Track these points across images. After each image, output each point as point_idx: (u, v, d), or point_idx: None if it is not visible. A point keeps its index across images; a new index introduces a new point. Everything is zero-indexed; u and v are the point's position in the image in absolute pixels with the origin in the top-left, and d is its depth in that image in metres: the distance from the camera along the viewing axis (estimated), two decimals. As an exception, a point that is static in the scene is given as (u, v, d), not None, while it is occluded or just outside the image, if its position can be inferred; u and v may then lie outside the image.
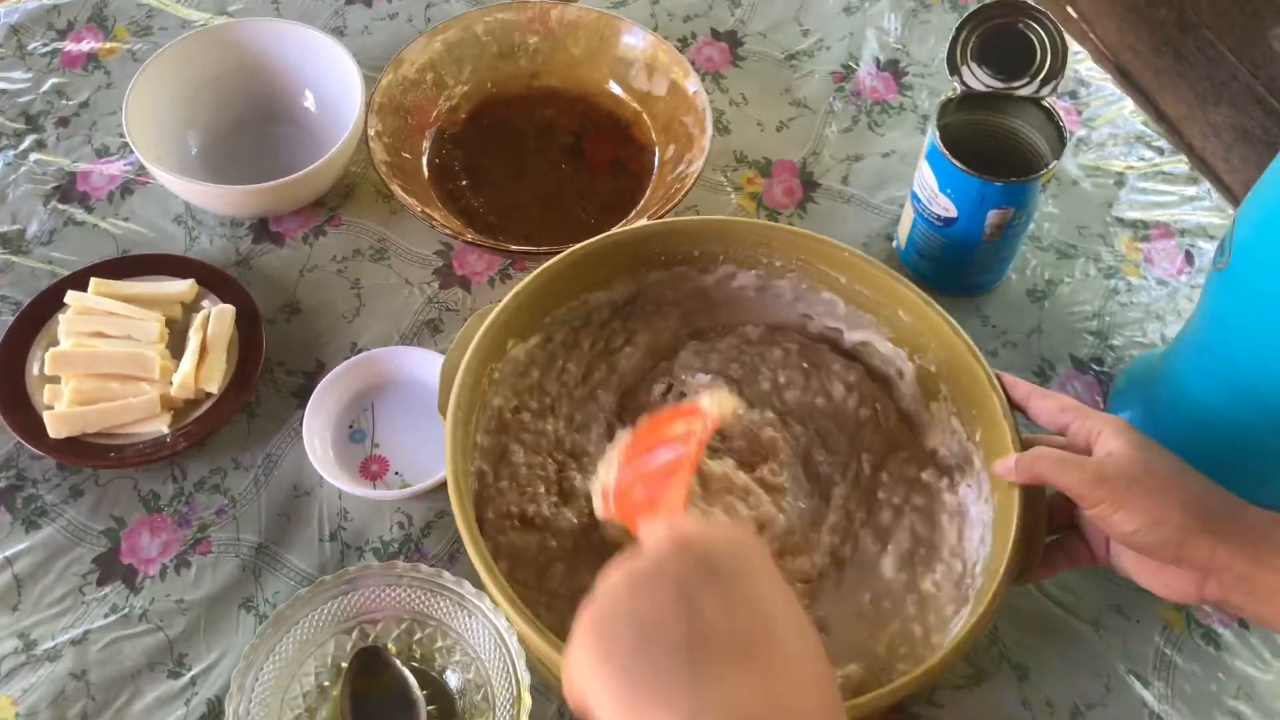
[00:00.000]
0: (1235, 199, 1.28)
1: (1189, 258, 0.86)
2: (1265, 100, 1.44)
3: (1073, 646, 0.69)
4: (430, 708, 0.64)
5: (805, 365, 0.73)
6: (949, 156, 0.73)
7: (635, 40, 0.90)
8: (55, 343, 0.75)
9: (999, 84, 0.75)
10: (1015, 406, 0.64)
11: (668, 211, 0.81)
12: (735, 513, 0.65)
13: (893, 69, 0.97)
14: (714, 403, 0.60)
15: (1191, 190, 0.90)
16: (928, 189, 0.77)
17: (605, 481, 0.60)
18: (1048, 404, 0.62)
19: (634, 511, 0.57)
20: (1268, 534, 0.54)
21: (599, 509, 0.61)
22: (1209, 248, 0.87)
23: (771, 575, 0.46)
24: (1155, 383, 0.74)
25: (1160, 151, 0.92)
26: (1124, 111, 0.95)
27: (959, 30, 0.75)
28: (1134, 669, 0.68)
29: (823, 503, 0.69)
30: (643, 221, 0.79)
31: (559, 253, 0.70)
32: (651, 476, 0.57)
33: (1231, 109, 1.46)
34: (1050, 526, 0.62)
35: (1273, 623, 0.55)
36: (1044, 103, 0.75)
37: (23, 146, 0.88)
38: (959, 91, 0.76)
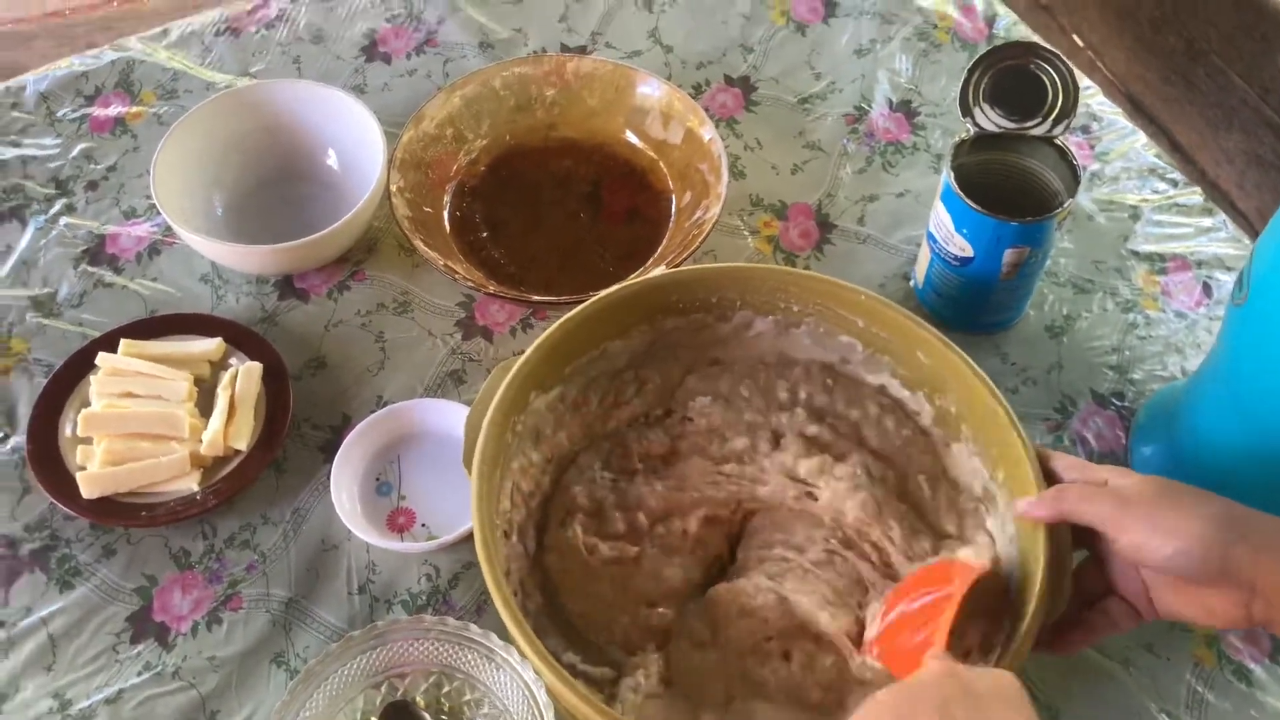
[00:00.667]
0: (1250, 225, 1.28)
1: (1207, 289, 0.86)
2: (1276, 124, 1.44)
3: (1103, 686, 0.68)
4: (461, 760, 0.64)
5: (828, 381, 0.74)
6: (964, 197, 0.74)
7: (650, 90, 0.91)
8: (87, 404, 0.77)
9: (1012, 124, 0.76)
10: None
11: (686, 258, 0.81)
12: None
13: (905, 109, 0.98)
14: (976, 554, 0.63)
15: (1207, 222, 0.90)
16: (943, 229, 0.77)
17: (868, 635, 0.63)
18: (1052, 465, 0.63)
19: (900, 656, 0.60)
20: None
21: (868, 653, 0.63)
22: (1226, 279, 0.87)
23: (1025, 710, 0.49)
24: (1176, 417, 0.74)
25: (1174, 184, 0.93)
26: (1136, 145, 0.95)
27: (970, 72, 0.76)
28: (1166, 708, 0.67)
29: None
30: (661, 269, 0.79)
31: (579, 302, 0.70)
32: (913, 619, 0.60)
33: (1243, 135, 1.46)
34: (1085, 594, 0.62)
35: None
36: (1057, 141, 0.76)
37: (53, 211, 0.91)
38: (972, 132, 0.77)
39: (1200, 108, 1.48)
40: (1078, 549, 0.62)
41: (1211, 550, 0.54)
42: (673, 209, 0.89)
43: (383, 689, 0.66)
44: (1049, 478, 0.63)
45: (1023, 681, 0.67)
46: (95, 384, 0.77)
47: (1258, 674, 0.69)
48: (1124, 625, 0.61)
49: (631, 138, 0.93)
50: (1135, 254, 0.88)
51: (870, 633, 0.63)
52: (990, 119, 0.77)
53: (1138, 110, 1.53)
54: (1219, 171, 1.46)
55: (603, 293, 0.71)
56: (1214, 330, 0.84)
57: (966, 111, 0.77)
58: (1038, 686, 0.68)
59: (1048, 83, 0.76)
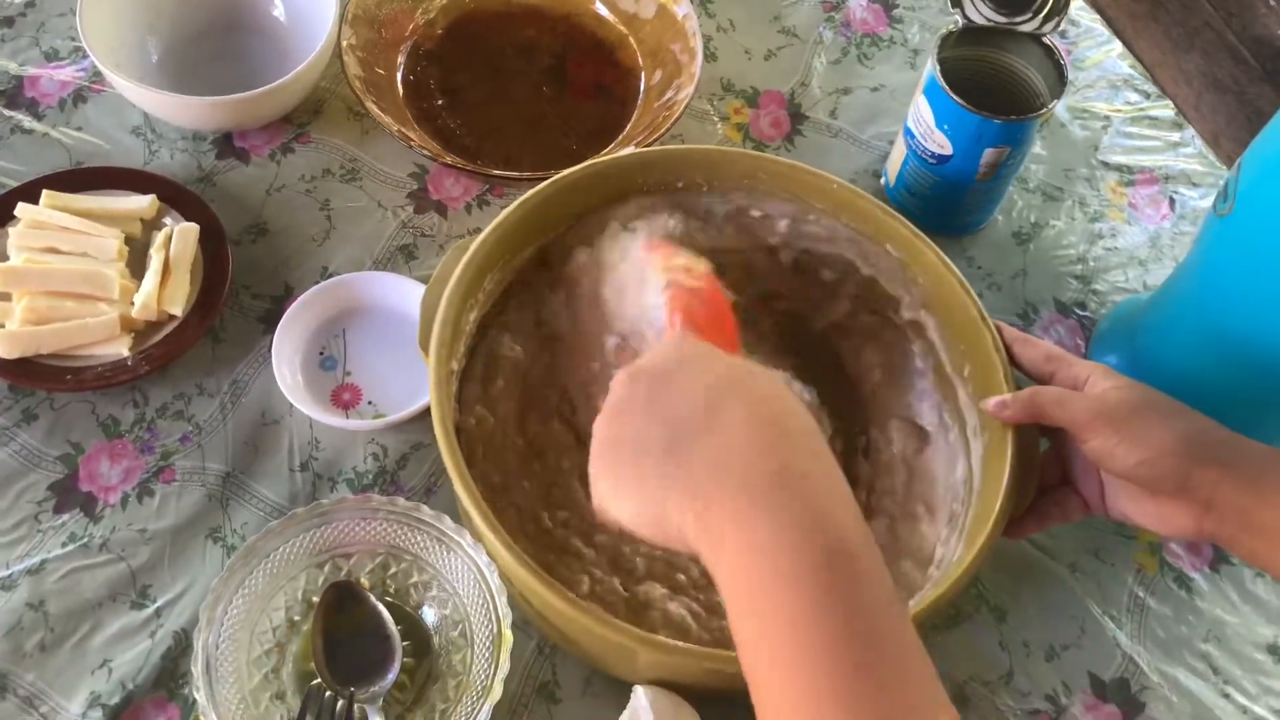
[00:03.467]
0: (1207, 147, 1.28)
1: (1172, 204, 0.86)
2: (1236, 50, 1.44)
3: (1049, 589, 0.69)
4: (405, 643, 0.62)
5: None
6: (949, 92, 0.71)
7: (622, -41, 0.86)
8: (4, 258, 0.71)
9: (1001, 19, 0.73)
10: None
11: (654, 140, 0.78)
12: None
13: (884, 1, 0.94)
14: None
15: (1175, 136, 0.90)
16: (923, 124, 0.75)
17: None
18: (1032, 351, 0.62)
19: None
20: (1269, 469, 0.54)
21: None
22: (1191, 194, 0.87)
23: (708, 358, 0.49)
24: (1139, 329, 0.74)
25: (1147, 96, 0.92)
26: (1112, 54, 0.94)
27: (962, -39, 0.73)
28: (1109, 611, 0.69)
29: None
30: (630, 149, 0.76)
31: (542, 179, 0.67)
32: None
33: (1203, 57, 1.46)
34: (1041, 483, 0.62)
35: (1265, 560, 0.55)
36: (1045, 40, 0.74)
37: (-36, 47, 0.83)
38: (960, 25, 0.74)
39: (1165, 26, 1.47)
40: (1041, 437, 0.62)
41: (1178, 466, 0.54)
42: (641, 87, 0.85)
43: (326, 568, 0.64)
44: (1027, 363, 0.62)
45: (974, 581, 0.68)
46: (14, 236, 0.71)
47: (1197, 582, 0.70)
48: (1075, 516, 0.63)
49: (601, 9, 0.87)
50: (1105, 164, 0.87)
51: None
52: (980, 11, 0.74)
53: (1104, 23, 1.51)
54: (1176, 91, 1.46)
55: (566, 171, 0.67)
56: (1177, 244, 0.84)
57: (956, 3, 0.74)
58: (986, 588, 0.69)
59: (1041, -24, 0.73)
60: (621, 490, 0.47)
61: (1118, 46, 0.94)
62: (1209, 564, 0.71)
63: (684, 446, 0.45)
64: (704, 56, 0.82)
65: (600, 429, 0.49)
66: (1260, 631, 0.69)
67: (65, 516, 0.66)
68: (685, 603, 0.62)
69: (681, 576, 0.64)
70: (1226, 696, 0.66)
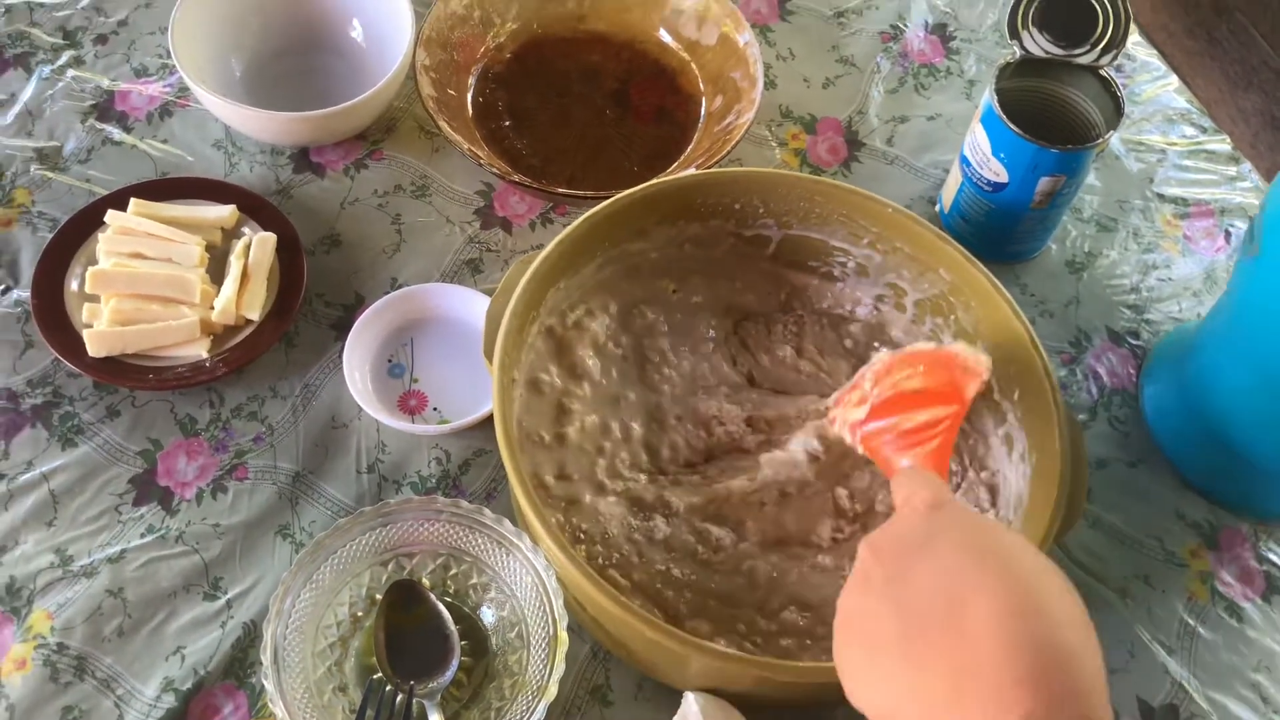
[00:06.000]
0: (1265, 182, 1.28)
1: (1228, 236, 0.86)
2: (1295, 88, 1.43)
3: (1099, 613, 0.68)
4: (463, 643, 0.64)
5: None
6: (1006, 120, 0.73)
7: (687, -12, 0.89)
8: (94, 261, 0.75)
9: (1059, 51, 0.75)
10: None
11: (714, 163, 0.80)
12: None
13: (941, 33, 0.96)
14: (974, 355, 0.61)
15: (1232, 170, 0.90)
16: (979, 152, 0.76)
17: (853, 417, 0.63)
18: None
19: (884, 451, 0.61)
20: None
21: (844, 435, 0.64)
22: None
23: (954, 530, 0.45)
24: (1186, 358, 0.75)
25: (1203, 130, 0.92)
26: (1169, 89, 0.94)
27: (1021, -6, 0.75)
28: (1158, 637, 0.69)
29: None
30: (689, 171, 0.78)
31: (603, 198, 0.69)
32: (909, 431, 0.60)
33: (1261, 95, 1.46)
34: None
35: None
36: (1102, 72, 0.75)
37: (60, 62, 0.87)
38: (1018, 56, 0.75)
39: (1222, 64, 1.47)
40: None
41: None
42: (702, 112, 0.87)
43: (389, 567, 0.66)
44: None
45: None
46: (104, 242, 0.75)
47: (1248, 611, 0.70)
48: None
49: (664, 36, 0.90)
50: (1160, 196, 0.88)
51: (853, 415, 0.64)
52: (1038, 43, 0.75)
53: (1161, 58, 1.52)
54: (1233, 128, 1.46)
55: (632, 189, 0.69)
56: (1232, 277, 0.84)
57: (1014, 34, 0.75)
58: (1035, 609, 0.69)
59: (1099, 10, 0.74)
60: (858, 680, 0.44)
61: (1174, 81, 0.95)
62: (1261, 594, 0.71)
63: (919, 647, 0.40)
64: (764, 84, 0.84)
65: (842, 602, 0.46)
66: (1312, 663, 0.69)
67: (144, 509, 0.69)
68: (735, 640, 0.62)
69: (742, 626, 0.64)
70: (1276, 727, 0.67)
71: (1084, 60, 0.75)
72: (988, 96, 0.75)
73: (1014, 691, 0.38)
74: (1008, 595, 0.40)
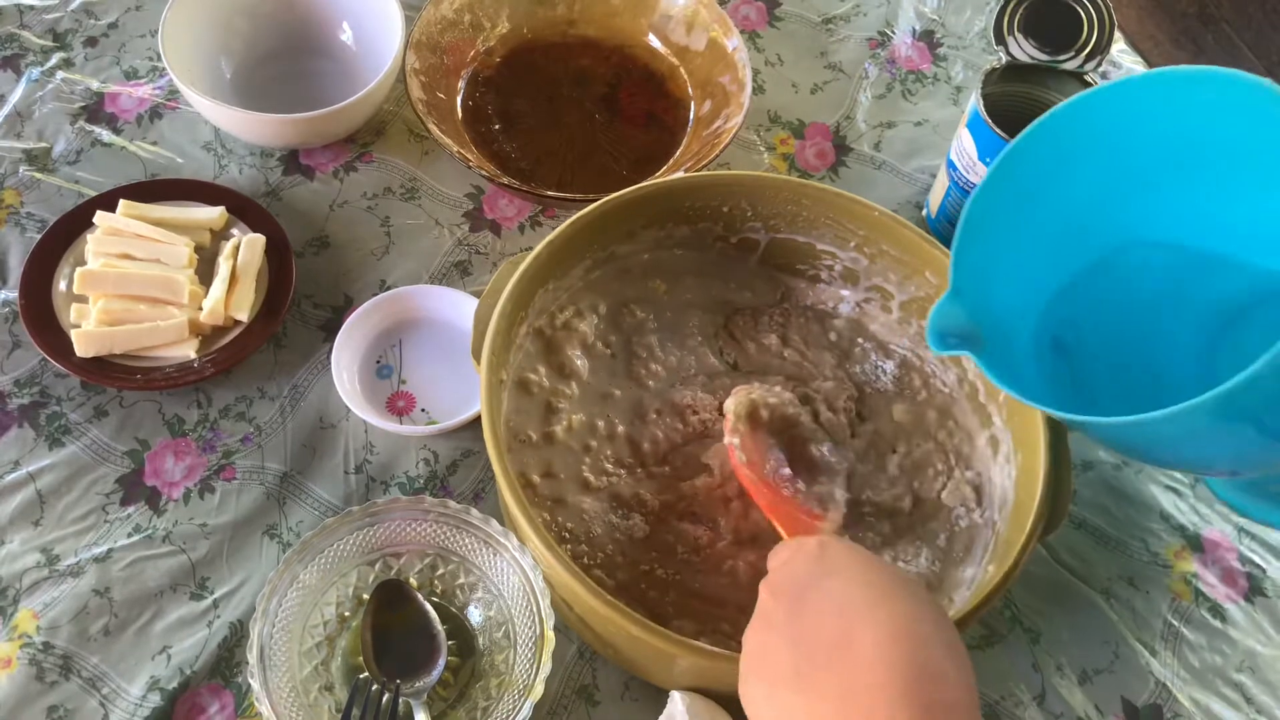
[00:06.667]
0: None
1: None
2: None
3: (1084, 613, 0.70)
4: (450, 643, 0.64)
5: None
6: (992, 125, 0.73)
7: (675, -6, 0.89)
8: (83, 262, 0.75)
9: (1044, 56, 0.76)
10: None
11: (702, 168, 0.80)
12: None
13: (928, 39, 0.97)
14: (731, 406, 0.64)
15: (1216, 177, 0.91)
16: (966, 157, 0.77)
17: (738, 460, 0.63)
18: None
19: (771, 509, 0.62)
20: None
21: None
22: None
23: (847, 571, 0.49)
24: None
25: (1187, 137, 0.93)
26: (1153, 95, 0.95)
27: (1007, 1, 0.75)
28: (1142, 638, 0.69)
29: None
30: (678, 174, 0.78)
31: (592, 201, 0.70)
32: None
33: (1245, 104, 1.47)
34: None
35: None
36: (1087, 78, 0.76)
37: (50, 64, 0.87)
38: (1004, 62, 0.76)
39: (1206, 72, 1.48)
40: None
41: None
42: (690, 117, 0.88)
43: (376, 566, 0.66)
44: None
45: (1009, 602, 0.69)
46: (92, 243, 0.75)
47: (1232, 612, 0.71)
48: None
49: (653, 41, 0.91)
50: (1144, 202, 0.89)
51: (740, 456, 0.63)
52: (1023, 49, 0.76)
53: (1145, 65, 1.53)
54: (1218, 137, 1.47)
55: (621, 192, 0.70)
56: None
57: (1000, 40, 0.76)
58: (1020, 609, 0.70)
59: (1083, 16, 0.75)
60: (761, 713, 0.47)
61: (1159, 88, 0.96)
62: (1244, 595, 0.71)
63: (812, 676, 0.45)
64: (752, 89, 0.85)
65: (745, 640, 0.50)
66: (1294, 664, 0.69)
67: (131, 509, 0.69)
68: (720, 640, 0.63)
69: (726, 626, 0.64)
70: (1259, 726, 0.67)
71: (1069, 66, 0.76)
72: (974, 102, 0.75)
73: (890, 707, 0.43)
74: (890, 622, 0.45)
